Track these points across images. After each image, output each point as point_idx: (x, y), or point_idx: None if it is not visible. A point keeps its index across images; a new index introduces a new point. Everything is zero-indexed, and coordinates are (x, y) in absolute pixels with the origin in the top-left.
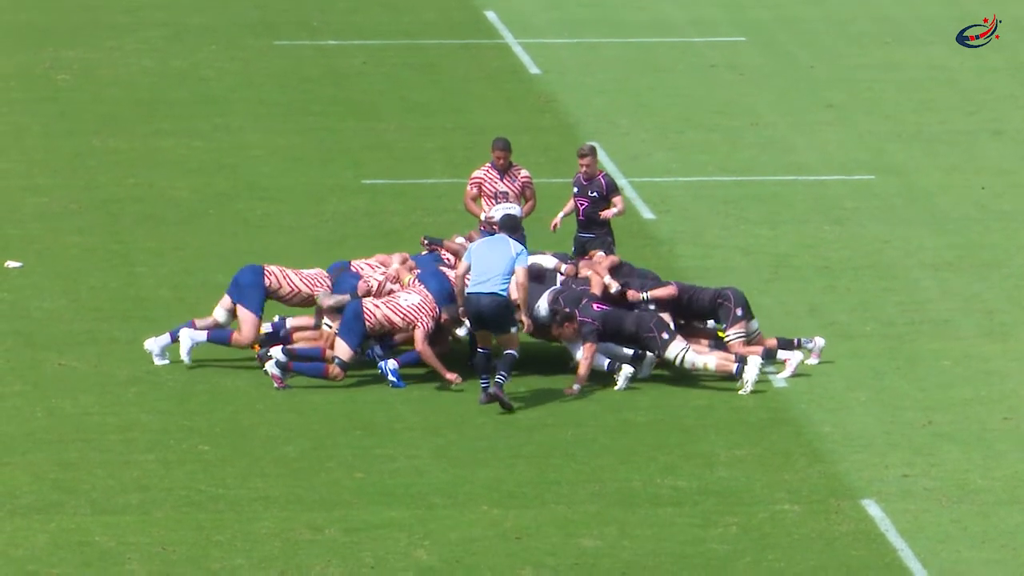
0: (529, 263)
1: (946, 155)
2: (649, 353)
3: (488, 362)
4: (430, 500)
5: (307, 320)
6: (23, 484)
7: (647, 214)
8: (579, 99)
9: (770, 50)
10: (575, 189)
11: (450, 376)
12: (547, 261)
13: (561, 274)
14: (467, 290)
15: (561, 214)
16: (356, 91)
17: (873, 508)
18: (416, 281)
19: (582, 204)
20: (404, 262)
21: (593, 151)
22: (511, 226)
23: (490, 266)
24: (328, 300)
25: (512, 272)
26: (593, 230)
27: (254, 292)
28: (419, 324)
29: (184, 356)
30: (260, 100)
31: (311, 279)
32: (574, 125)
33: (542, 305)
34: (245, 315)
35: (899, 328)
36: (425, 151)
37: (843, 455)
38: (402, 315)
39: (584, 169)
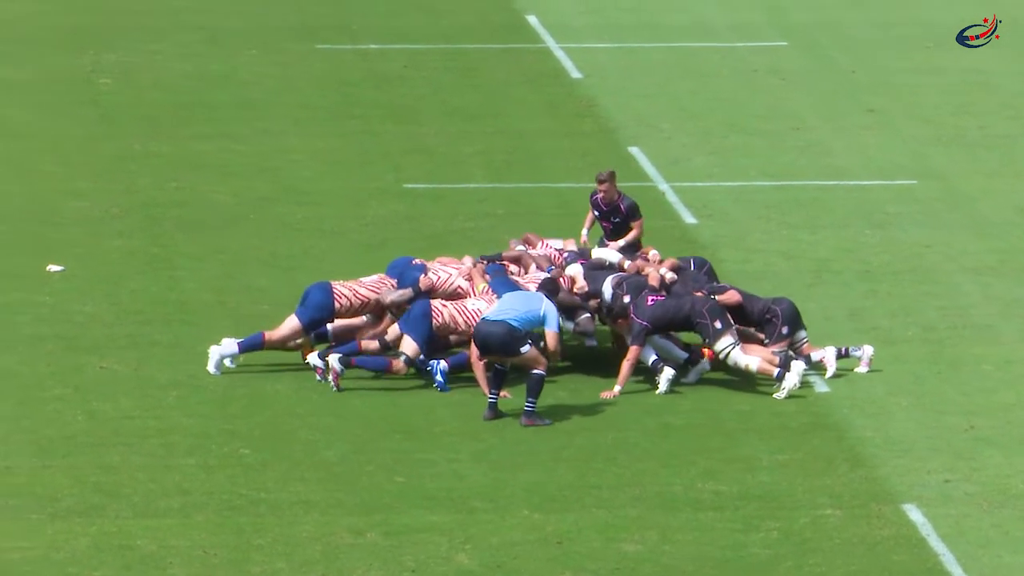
0: (595, 256)
1: (987, 159)
2: (702, 361)
3: (500, 379)
4: (471, 504)
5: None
6: (64, 487)
7: (689, 219)
8: (620, 103)
9: (811, 54)
10: (595, 212)
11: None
12: (612, 255)
13: (624, 270)
14: (480, 318)
15: (585, 229)
16: (396, 95)
17: (914, 513)
18: (488, 289)
19: (606, 227)
20: (475, 265)
21: (611, 177)
22: (550, 289)
23: (513, 307)
24: (390, 295)
25: (531, 321)
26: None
27: (313, 312)
28: None
29: (213, 369)
30: (300, 104)
31: (375, 285)
32: (615, 130)
33: (606, 289)
34: (292, 321)
35: (940, 333)
36: (465, 155)
37: (884, 460)
38: (466, 318)
39: (602, 195)
